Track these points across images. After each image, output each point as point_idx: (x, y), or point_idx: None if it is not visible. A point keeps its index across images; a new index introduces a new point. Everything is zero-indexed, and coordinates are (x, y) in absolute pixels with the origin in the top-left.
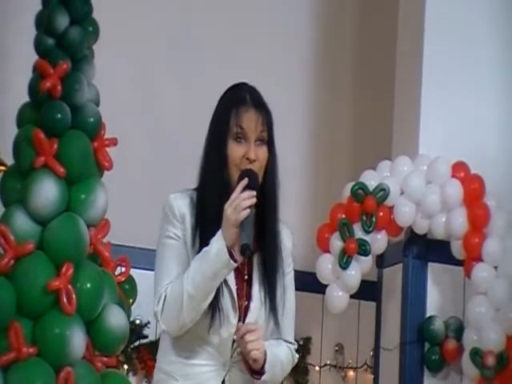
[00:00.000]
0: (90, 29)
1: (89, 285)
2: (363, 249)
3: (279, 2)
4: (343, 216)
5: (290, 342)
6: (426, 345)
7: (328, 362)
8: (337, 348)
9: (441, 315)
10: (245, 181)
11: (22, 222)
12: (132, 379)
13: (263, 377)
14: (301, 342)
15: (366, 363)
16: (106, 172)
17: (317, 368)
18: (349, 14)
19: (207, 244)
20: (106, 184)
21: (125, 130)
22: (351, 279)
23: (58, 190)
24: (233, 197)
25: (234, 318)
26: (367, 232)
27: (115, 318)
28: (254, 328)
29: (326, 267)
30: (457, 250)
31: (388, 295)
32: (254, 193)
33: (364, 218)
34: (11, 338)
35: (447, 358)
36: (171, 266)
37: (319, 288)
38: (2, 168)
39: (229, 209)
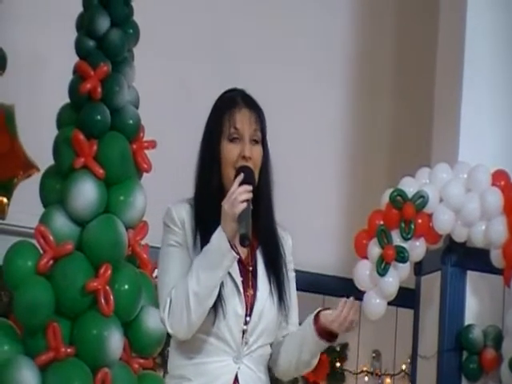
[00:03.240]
0: (131, 31)
1: (127, 286)
2: (401, 256)
3: (320, 5)
4: (381, 222)
5: None
6: (464, 353)
7: (365, 369)
8: (374, 355)
9: (479, 324)
10: (240, 176)
11: (61, 222)
12: None
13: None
14: (337, 348)
15: (403, 370)
16: (144, 174)
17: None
18: (390, 16)
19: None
20: (145, 186)
21: (164, 133)
22: (389, 286)
23: (97, 191)
24: (230, 192)
25: (240, 309)
26: (405, 239)
27: (153, 320)
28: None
29: (363, 273)
30: (496, 258)
31: (426, 303)
32: (250, 187)
33: (402, 224)
34: (49, 338)
35: (485, 366)
36: (174, 272)
37: (357, 294)
38: (34, 171)
39: (226, 204)
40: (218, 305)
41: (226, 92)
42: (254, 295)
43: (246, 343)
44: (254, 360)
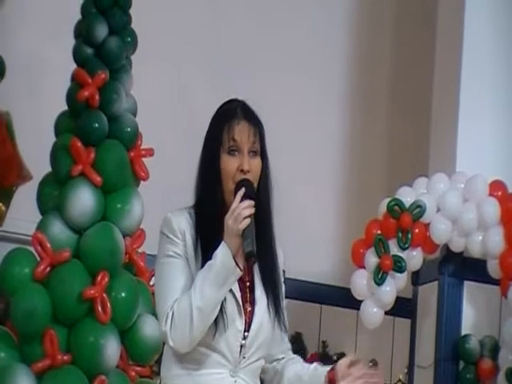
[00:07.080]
0: (129, 39)
1: (124, 294)
2: (399, 265)
3: (318, 15)
4: (379, 232)
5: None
6: (460, 363)
7: None
8: (371, 364)
9: (476, 334)
10: (242, 191)
11: (58, 229)
12: None
13: None
14: (334, 357)
15: (400, 380)
16: (142, 182)
17: None
18: (387, 26)
19: (209, 258)
20: (142, 194)
21: (162, 141)
22: (386, 295)
23: (95, 198)
24: (232, 207)
25: (240, 324)
26: (403, 248)
27: (149, 328)
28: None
29: (360, 283)
30: (493, 269)
31: (423, 313)
32: (253, 202)
33: (400, 234)
34: (46, 345)
35: (482, 377)
36: (174, 284)
37: (354, 304)
38: (27, 179)
39: (230, 219)
40: (219, 319)
41: (225, 103)
42: (252, 310)
43: (244, 357)
44: (250, 373)
